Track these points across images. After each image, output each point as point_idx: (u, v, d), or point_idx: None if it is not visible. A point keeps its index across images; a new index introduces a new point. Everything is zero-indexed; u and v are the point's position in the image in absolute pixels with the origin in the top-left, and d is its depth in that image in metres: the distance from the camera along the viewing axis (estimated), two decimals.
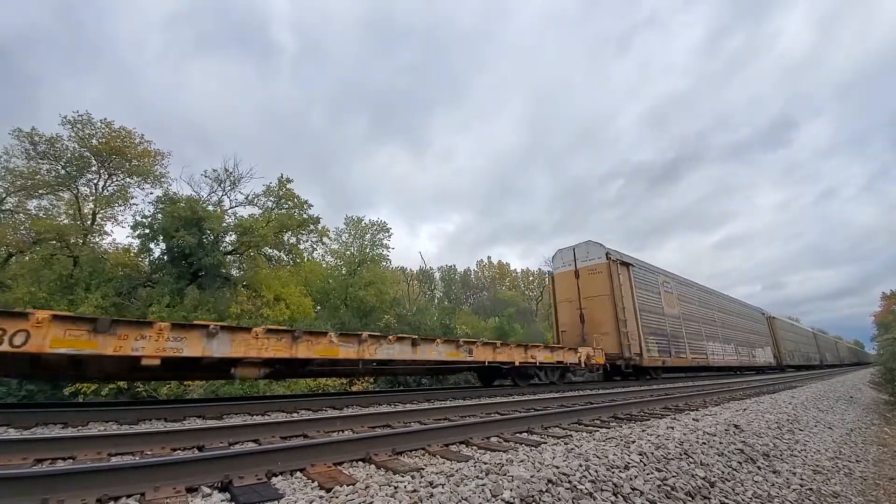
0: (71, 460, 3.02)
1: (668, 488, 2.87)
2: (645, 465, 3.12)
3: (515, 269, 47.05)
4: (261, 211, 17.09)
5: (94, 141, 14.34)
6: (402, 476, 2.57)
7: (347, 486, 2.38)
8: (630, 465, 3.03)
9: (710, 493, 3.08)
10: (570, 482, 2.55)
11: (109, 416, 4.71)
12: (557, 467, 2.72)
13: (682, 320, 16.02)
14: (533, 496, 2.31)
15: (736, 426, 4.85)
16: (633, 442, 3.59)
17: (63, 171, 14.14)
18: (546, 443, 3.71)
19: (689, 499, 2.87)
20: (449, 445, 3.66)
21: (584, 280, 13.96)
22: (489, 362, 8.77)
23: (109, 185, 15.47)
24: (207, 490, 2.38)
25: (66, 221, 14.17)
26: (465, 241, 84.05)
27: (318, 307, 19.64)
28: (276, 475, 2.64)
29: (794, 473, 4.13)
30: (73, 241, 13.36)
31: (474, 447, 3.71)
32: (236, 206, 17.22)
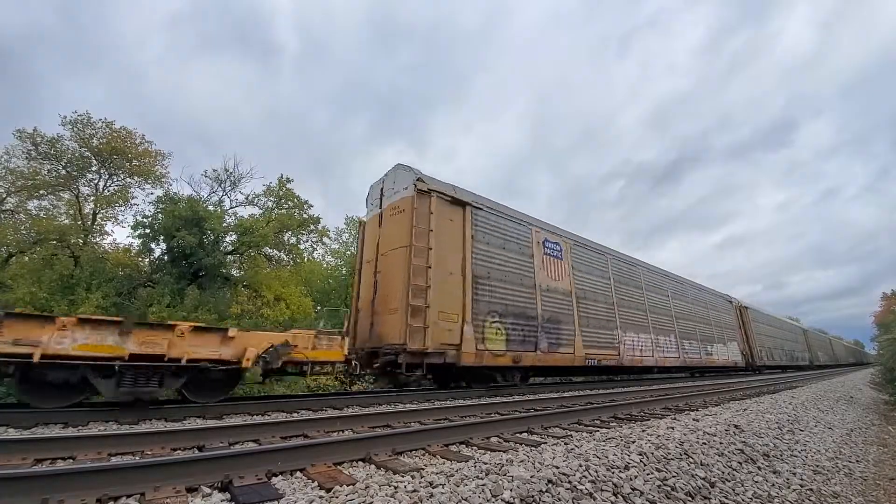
0: (71, 460, 3.03)
1: (669, 488, 2.87)
2: (645, 465, 3.12)
3: None
4: (261, 211, 17.11)
5: (94, 141, 14.36)
6: (402, 476, 2.57)
7: (347, 486, 2.38)
8: (630, 466, 3.03)
9: (710, 493, 3.07)
10: (570, 482, 2.55)
11: (109, 416, 4.71)
12: (557, 467, 2.72)
13: (574, 299, 10.75)
14: (533, 496, 2.31)
15: (736, 426, 4.85)
16: (633, 442, 3.59)
17: (64, 172, 14.16)
18: (546, 443, 3.71)
19: (690, 499, 2.87)
20: (449, 445, 3.67)
21: (386, 226, 8.88)
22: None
23: (110, 186, 15.49)
24: (207, 490, 2.39)
25: (66, 221, 14.18)
26: None
27: (319, 307, 19.67)
28: (276, 475, 2.65)
29: (795, 474, 4.13)
30: (73, 241, 13.38)
31: (474, 447, 3.72)
32: (237, 206, 17.24)
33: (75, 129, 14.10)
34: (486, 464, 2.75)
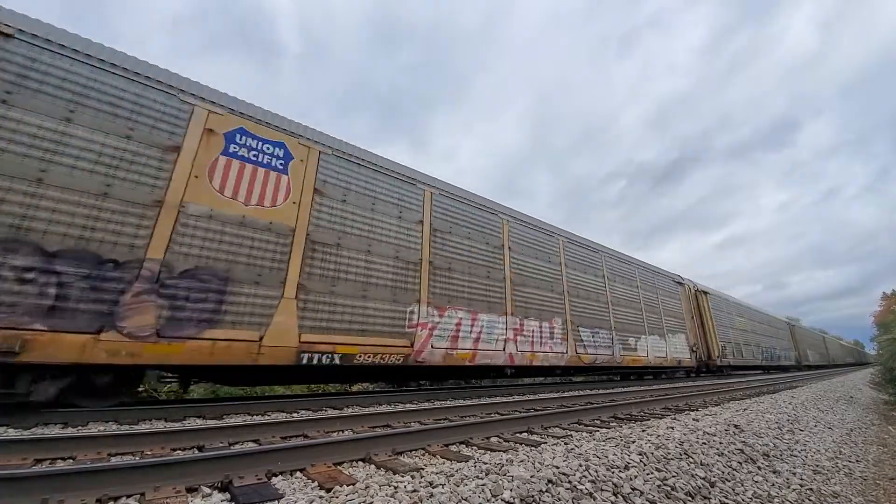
0: (71, 460, 3.03)
1: (668, 488, 2.87)
2: (645, 465, 3.12)
3: None
4: None
5: None
6: (402, 476, 2.57)
7: (347, 486, 2.38)
8: (630, 465, 3.03)
9: (710, 493, 3.08)
10: (570, 482, 2.55)
11: (109, 416, 4.71)
12: (557, 467, 2.72)
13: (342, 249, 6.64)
14: (533, 496, 2.31)
15: (736, 426, 4.86)
16: (633, 442, 3.59)
17: None
18: (546, 443, 3.71)
19: (689, 499, 2.87)
20: (449, 445, 3.67)
21: None
22: None
23: None
24: (207, 490, 2.39)
25: None
26: None
27: None
28: (276, 475, 2.65)
29: (795, 473, 4.13)
30: None
31: (474, 447, 3.72)
32: None
33: None
34: (486, 464, 2.75)
